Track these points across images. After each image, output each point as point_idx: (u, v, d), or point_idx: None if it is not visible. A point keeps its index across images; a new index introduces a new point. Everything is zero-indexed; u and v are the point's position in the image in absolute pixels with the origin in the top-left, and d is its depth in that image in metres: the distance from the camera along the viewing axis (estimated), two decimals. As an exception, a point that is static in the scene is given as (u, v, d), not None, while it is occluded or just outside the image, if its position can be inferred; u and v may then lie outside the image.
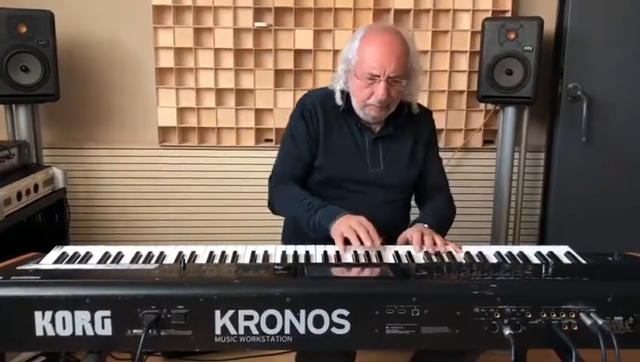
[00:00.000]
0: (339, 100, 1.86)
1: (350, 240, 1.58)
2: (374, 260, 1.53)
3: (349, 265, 1.48)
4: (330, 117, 1.88)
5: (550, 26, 2.77)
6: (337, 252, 1.56)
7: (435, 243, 1.61)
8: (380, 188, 1.88)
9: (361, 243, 1.56)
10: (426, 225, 1.71)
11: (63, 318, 1.20)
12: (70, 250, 1.55)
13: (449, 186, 2.02)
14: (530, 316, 1.23)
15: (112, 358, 2.15)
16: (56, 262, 1.47)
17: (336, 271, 1.39)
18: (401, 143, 1.91)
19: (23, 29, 2.45)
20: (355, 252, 1.56)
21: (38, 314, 1.20)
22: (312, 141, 1.87)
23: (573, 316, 1.23)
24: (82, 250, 1.55)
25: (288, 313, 1.21)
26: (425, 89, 2.87)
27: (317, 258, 1.54)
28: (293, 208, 1.82)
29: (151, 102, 2.86)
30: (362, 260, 1.53)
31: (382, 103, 1.76)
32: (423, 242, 1.61)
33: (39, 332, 1.20)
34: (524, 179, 2.88)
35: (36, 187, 2.34)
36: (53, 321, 1.20)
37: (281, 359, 1.83)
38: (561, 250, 1.60)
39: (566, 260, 1.55)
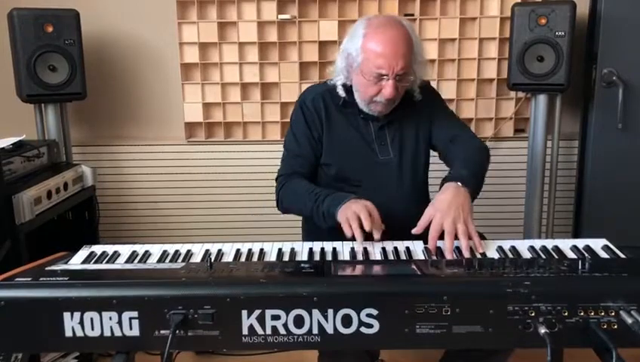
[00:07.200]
0: (342, 93, 1.84)
1: (352, 226, 1.54)
2: (403, 257, 1.49)
3: (377, 263, 1.45)
4: (331, 112, 1.87)
5: (583, 9, 2.68)
6: (365, 248, 1.53)
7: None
8: (394, 176, 1.86)
9: (363, 230, 1.52)
10: (459, 184, 1.61)
11: (91, 319, 1.20)
12: (98, 249, 1.55)
13: (469, 129, 1.96)
14: (566, 314, 1.19)
15: (145, 353, 2.16)
16: (84, 262, 1.48)
17: (365, 270, 1.36)
18: (407, 128, 1.88)
19: (50, 29, 2.47)
20: (384, 248, 1.53)
21: (67, 316, 1.20)
22: (314, 139, 1.87)
23: (613, 314, 1.18)
24: (110, 249, 1.55)
25: (316, 312, 1.19)
26: (454, 78, 2.81)
27: (344, 255, 1.51)
28: (301, 201, 1.77)
29: (177, 98, 2.87)
30: (391, 257, 1.49)
31: (390, 101, 1.76)
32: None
33: (68, 333, 1.21)
34: (557, 168, 2.81)
35: (66, 185, 2.36)
36: (81, 322, 1.20)
37: (309, 355, 1.82)
38: (598, 244, 1.53)
39: (604, 254, 1.48)
